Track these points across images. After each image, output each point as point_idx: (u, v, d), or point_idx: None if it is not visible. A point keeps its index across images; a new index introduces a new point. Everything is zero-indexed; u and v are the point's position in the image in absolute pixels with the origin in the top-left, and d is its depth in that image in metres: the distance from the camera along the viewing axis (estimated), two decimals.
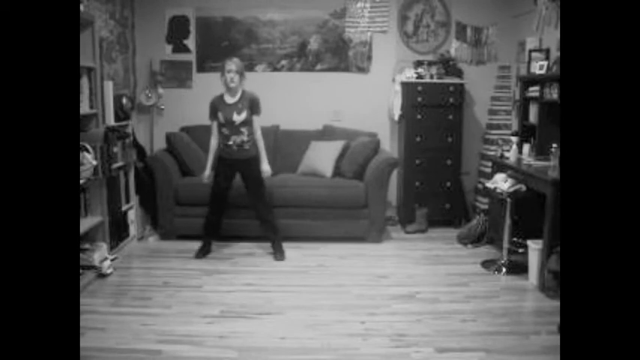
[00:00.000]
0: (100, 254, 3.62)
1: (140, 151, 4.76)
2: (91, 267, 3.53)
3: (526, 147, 4.14)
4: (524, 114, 4.39)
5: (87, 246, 3.60)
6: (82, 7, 3.54)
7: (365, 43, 5.17)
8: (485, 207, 4.75)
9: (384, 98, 5.18)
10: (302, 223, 4.41)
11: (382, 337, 2.78)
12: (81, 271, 3.41)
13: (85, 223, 3.57)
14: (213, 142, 3.96)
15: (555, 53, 4.06)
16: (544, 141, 3.96)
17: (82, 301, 3.08)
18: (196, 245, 4.11)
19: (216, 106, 3.85)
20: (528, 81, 4.31)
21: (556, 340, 2.69)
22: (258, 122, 3.91)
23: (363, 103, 5.21)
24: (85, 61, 3.46)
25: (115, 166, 3.98)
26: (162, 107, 5.17)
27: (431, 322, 2.96)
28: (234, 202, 4.17)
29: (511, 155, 4.06)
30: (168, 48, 5.16)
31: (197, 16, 5.12)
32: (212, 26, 5.13)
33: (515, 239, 3.91)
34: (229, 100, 3.84)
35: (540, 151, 3.98)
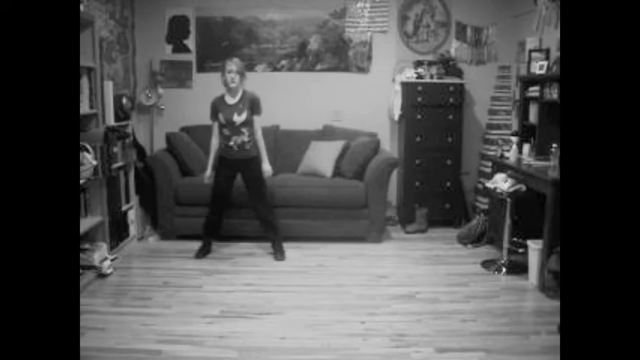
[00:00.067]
0: (100, 254, 3.62)
1: (140, 151, 4.76)
2: (91, 267, 3.54)
3: (526, 147, 4.14)
4: (524, 114, 4.39)
5: (87, 246, 3.61)
6: (82, 7, 3.54)
7: (365, 43, 5.17)
8: (485, 207, 4.75)
9: (384, 98, 5.18)
10: (302, 223, 4.41)
11: (382, 337, 2.78)
12: (81, 271, 3.41)
13: (85, 223, 3.58)
14: (214, 142, 3.96)
15: (555, 53, 4.06)
16: (544, 141, 3.96)
17: (82, 301, 3.08)
18: (196, 245, 4.11)
19: (217, 107, 3.86)
20: (528, 81, 4.31)
21: (556, 340, 2.69)
22: (259, 122, 3.92)
23: (363, 103, 5.21)
24: (85, 61, 3.46)
25: (115, 166, 3.98)
26: (162, 107, 5.17)
27: (431, 322, 2.96)
28: (235, 202, 4.17)
29: (511, 155, 4.06)
30: (168, 48, 5.16)
31: (197, 16, 5.12)
32: (212, 26, 5.13)
33: (515, 239, 3.91)
34: (230, 100, 3.84)
35: (540, 151, 3.98)
